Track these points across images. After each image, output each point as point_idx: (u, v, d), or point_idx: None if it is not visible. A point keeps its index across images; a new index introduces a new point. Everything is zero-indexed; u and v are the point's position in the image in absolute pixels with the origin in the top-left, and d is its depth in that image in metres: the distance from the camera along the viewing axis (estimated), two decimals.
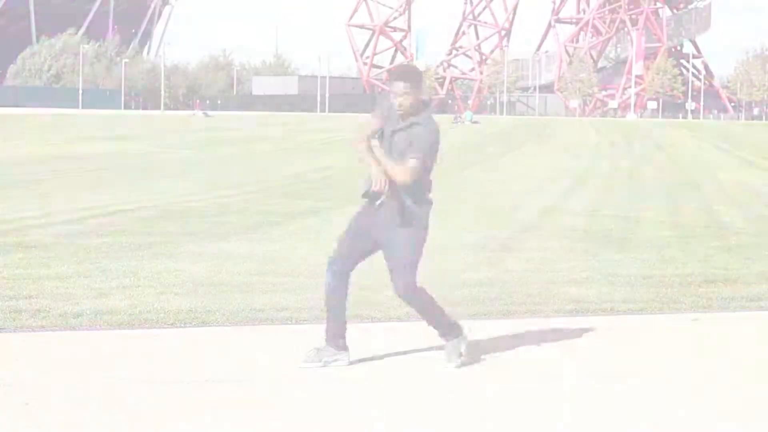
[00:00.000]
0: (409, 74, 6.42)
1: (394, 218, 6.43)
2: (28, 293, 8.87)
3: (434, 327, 6.73)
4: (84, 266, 10.40)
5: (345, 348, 6.62)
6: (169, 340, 7.36)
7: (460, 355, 6.66)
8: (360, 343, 7.33)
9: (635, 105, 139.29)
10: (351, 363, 6.69)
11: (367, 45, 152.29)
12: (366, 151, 6.34)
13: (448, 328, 6.70)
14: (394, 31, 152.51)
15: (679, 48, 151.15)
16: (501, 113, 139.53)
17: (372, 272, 10.39)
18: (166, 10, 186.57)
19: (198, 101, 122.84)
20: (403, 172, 6.28)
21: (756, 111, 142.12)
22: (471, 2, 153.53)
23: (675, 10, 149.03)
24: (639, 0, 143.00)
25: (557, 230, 14.51)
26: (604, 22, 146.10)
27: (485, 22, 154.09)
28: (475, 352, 7.06)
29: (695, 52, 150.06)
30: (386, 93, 6.56)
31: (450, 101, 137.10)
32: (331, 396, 5.96)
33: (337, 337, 6.60)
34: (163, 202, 17.71)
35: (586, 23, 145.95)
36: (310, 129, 65.57)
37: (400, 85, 6.35)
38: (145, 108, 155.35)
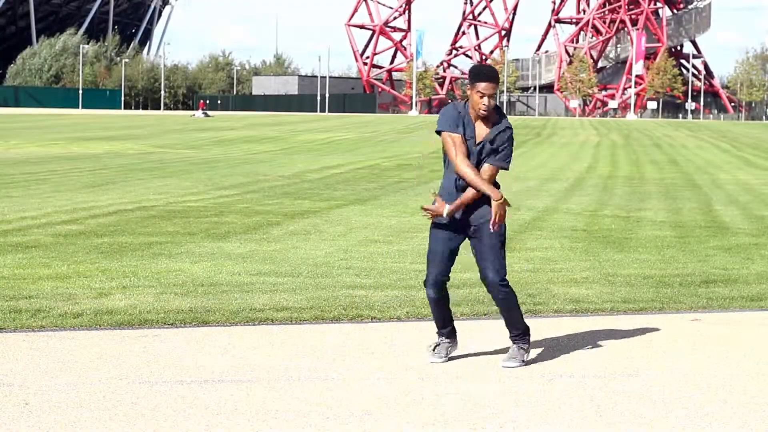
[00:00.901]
0: (497, 75, 6.61)
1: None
2: (28, 293, 8.87)
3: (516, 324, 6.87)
4: (84, 266, 10.40)
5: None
6: (169, 340, 7.36)
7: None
8: (360, 342, 7.34)
9: (635, 105, 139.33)
10: (350, 362, 6.71)
11: (367, 45, 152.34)
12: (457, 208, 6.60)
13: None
14: (394, 31, 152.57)
15: (679, 48, 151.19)
16: None
17: (373, 273, 10.42)
18: (166, 10, 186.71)
19: (202, 101, 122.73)
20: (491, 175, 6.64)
21: None
22: (471, 2, 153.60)
23: (675, 10, 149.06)
24: (639, 0, 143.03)
25: (557, 230, 14.52)
26: (604, 22, 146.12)
27: (485, 22, 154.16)
28: (476, 352, 7.07)
29: (695, 52, 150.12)
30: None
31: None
32: (331, 396, 5.96)
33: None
34: (163, 202, 17.72)
35: (586, 23, 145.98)
36: (310, 129, 65.59)
37: (491, 86, 6.53)
38: (145, 108, 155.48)
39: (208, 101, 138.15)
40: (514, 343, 6.84)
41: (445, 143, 6.61)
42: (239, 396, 5.90)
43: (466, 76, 6.85)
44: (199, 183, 22.54)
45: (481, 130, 6.63)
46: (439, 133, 6.66)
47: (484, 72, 6.58)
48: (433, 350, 6.85)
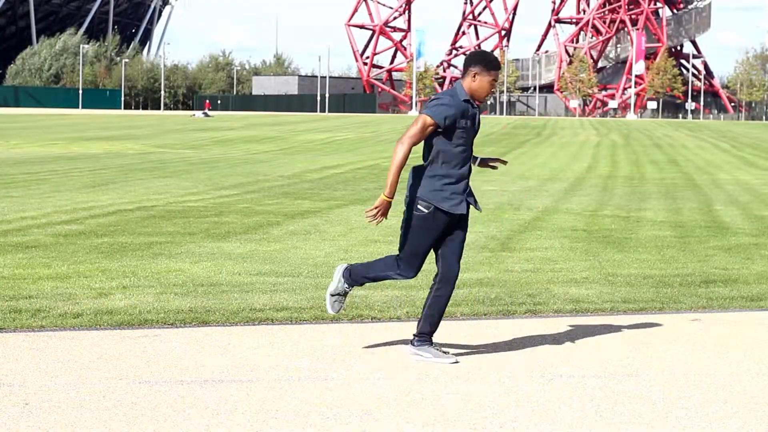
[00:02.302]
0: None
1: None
2: (28, 293, 8.87)
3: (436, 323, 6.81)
4: (84, 266, 10.40)
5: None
6: (169, 340, 7.36)
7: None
8: (360, 343, 7.34)
9: (635, 105, 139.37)
10: (350, 362, 6.71)
11: (367, 45, 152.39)
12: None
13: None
14: (394, 31, 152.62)
15: (679, 48, 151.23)
16: (501, 113, 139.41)
17: None
18: (166, 10, 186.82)
19: (208, 101, 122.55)
20: None
21: None
22: (471, 2, 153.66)
23: (675, 10, 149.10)
24: (639, 0, 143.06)
25: (557, 230, 14.52)
26: (604, 22, 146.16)
27: (485, 22, 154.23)
28: (476, 352, 7.07)
29: (695, 52, 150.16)
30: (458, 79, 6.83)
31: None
32: (331, 396, 5.96)
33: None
34: (163, 202, 17.71)
35: (586, 23, 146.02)
36: (310, 129, 65.58)
37: (498, 75, 6.71)
38: (145, 108, 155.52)
39: (208, 101, 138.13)
40: (427, 344, 6.76)
41: (416, 125, 6.49)
42: (239, 396, 5.90)
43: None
44: (199, 183, 22.54)
45: None
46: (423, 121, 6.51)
47: (497, 61, 6.70)
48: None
